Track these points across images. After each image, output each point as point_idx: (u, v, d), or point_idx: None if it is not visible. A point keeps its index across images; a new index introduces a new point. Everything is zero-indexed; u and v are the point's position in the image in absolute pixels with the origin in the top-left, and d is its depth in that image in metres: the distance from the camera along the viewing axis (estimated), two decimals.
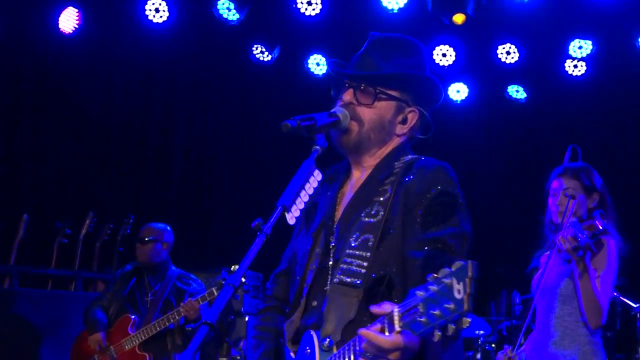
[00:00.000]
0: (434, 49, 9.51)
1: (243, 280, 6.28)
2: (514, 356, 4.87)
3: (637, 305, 6.70)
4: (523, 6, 8.82)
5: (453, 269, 2.12)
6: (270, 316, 3.07)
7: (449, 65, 9.52)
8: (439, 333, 2.13)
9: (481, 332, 8.30)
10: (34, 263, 8.47)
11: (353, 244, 2.72)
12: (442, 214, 2.68)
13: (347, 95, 2.88)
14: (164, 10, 9.30)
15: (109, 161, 9.96)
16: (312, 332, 2.68)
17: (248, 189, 9.99)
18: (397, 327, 2.28)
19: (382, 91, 2.88)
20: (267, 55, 9.65)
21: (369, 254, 2.67)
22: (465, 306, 2.07)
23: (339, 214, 2.88)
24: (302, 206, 2.53)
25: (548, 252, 4.90)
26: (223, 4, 9.16)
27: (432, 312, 2.13)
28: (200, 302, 6.42)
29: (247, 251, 2.39)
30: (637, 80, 9.33)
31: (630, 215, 5.28)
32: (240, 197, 10.03)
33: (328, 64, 3.05)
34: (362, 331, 2.37)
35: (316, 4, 9.06)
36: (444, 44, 9.50)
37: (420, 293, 2.18)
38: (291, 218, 2.48)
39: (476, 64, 9.70)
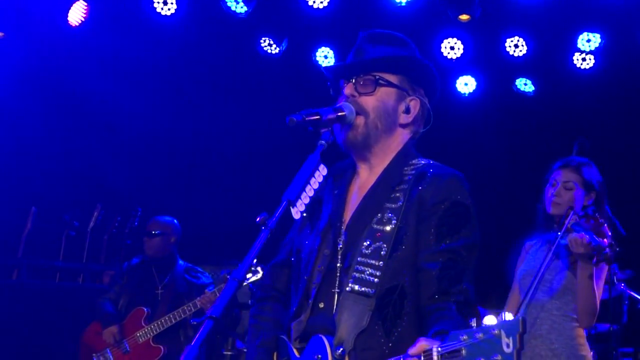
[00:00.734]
0: (442, 42, 9.48)
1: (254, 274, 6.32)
2: None
3: None
4: None
5: (502, 320, 2.19)
6: (270, 306, 3.08)
7: (457, 58, 9.49)
8: None
9: None
10: (42, 256, 8.50)
11: (365, 252, 2.74)
12: (455, 225, 2.74)
13: (348, 89, 2.90)
14: (172, 3, 9.29)
15: (116, 154, 9.97)
16: (324, 338, 2.69)
17: (255, 183, 9.99)
18: None
19: (381, 77, 2.90)
20: (275, 48, 9.63)
21: (381, 263, 2.71)
22: None
23: (347, 215, 2.89)
24: (307, 201, 2.53)
25: (534, 241, 4.95)
26: None
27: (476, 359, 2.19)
28: (217, 295, 6.45)
29: (252, 245, 2.39)
30: None
31: (638, 208, 5.29)
32: (247, 190, 10.03)
33: (324, 70, 3.04)
34: None
35: None
36: (452, 37, 9.47)
37: (464, 338, 2.23)
38: (296, 213, 2.48)
39: (484, 57, 9.67)
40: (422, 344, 2.36)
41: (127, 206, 9.03)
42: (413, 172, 2.86)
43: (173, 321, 6.64)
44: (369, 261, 2.72)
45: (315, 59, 9.68)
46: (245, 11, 9.18)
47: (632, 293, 7.00)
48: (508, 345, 2.14)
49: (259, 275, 6.13)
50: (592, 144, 5.20)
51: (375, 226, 2.78)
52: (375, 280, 2.69)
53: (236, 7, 9.18)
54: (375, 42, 2.97)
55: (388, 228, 2.75)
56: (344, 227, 2.86)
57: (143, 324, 6.75)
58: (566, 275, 4.71)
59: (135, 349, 6.74)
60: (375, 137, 2.89)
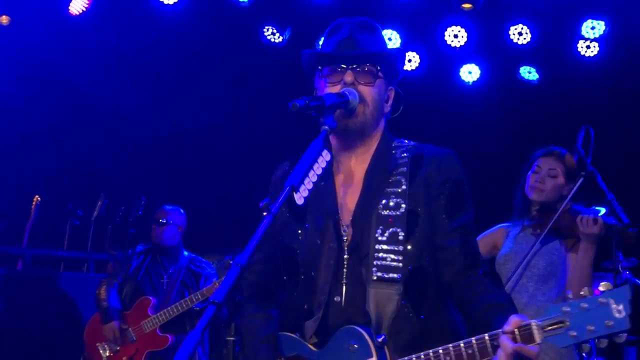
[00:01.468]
0: (446, 30, 9.46)
1: None
2: None
3: None
4: None
5: (607, 289, 2.32)
6: (261, 304, 3.08)
7: (461, 46, 9.47)
8: (589, 346, 2.36)
9: None
10: (46, 245, 8.51)
11: (380, 239, 2.80)
12: (461, 201, 2.89)
13: (349, 77, 2.91)
14: None
15: (120, 143, 9.96)
16: (359, 329, 2.75)
17: (258, 172, 9.96)
18: (537, 339, 2.41)
19: (380, 69, 2.95)
20: (278, 37, 9.62)
21: (401, 247, 2.80)
22: (628, 324, 2.31)
23: (347, 205, 2.93)
24: (310, 186, 2.53)
25: (510, 226, 4.98)
26: None
27: (585, 327, 2.32)
28: None
29: (255, 231, 2.39)
30: None
31: None
32: (251, 180, 10.02)
33: (318, 53, 3.04)
34: (506, 343, 2.46)
35: None
36: (456, 25, 9.44)
37: (565, 309, 2.35)
38: (299, 198, 2.47)
39: (488, 45, 9.64)
40: (515, 320, 2.46)
41: (131, 195, 9.03)
42: (406, 154, 2.95)
43: (181, 310, 6.65)
44: (388, 247, 2.80)
45: (318, 47, 9.66)
46: (248, 0, 9.16)
47: (637, 281, 6.99)
48: (619, 312, 2.28)
49: None
50: (597, 131, 5.18)
51: (383, 212, 2.84)
52: (400, 265, 2.77)
53: None
54: (368, 32, 3.00)
55: (398, 212, 2.82)
56: (345, 218, 2.91)
57: (149, 313, 6.76)
58: (551, 260, 4.79)
59: (142, 338, 6.75)
60: (370, 126, 2.96)
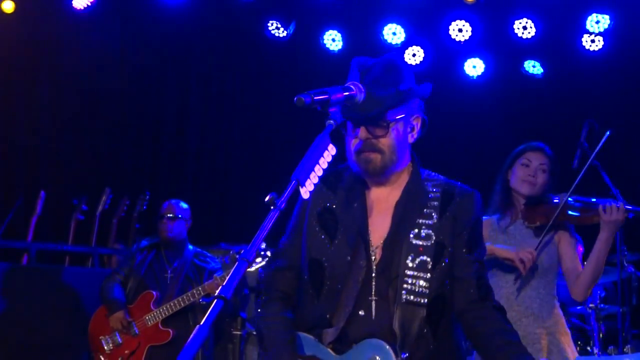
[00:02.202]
0: (450, 24, 9.46)
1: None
2: None
3: None
4: None
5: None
6: (283, 307, 3.19)
7: (465, 40, 9.48)
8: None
9: None
10: (51, 239, 8.52)
11: (410, 265, 3.03)
12: (479, 237, 3.19)
13: (363, 133, 3.05)
14: None
15: (125, 137, 9.97)
16: (385, 344, 2.95)
17: (263, 167, 9.99)
18: None
19: (393, 118, 3.05)
20: (283, 31, 9.62)
21: (428, 275, 3.02)
22: None
23: (377, 228, 3.11)
24: (316, 180, 2.54)
25: (497, 218, 5.02)
26: None
27: None
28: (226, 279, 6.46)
29: (261, 226, 2.39)
30: None
31: None
32: (255, 175, 10.03)
33: (331, 113, 2.99)
34: None
35: None
36: (460, 19, 9.44)
37: None
38: (305, 192, 2.48)
39: (492, 39, 9.64)
40: None
41: (136, 190, 9.04)
42: (437, 190, 3.17)
43: (183, 304, 6.66)
44: (417, 273, 3.03)
45: (323, 42, 9.65)
46: None
47: None
48: None
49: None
50: (601, 126, 5.20)
51: (414, 241, 3.07)
52: (426, 291, 3.01)
53: None
54: (387, 81, 3.03)
55: (428, 243, 3.06)
56: (376, 241, 3.10)
57: (152, 307, 6.76)
58: (553, 253, 4.85)
59: (144, 332, 6.76)
60: (392, 167, 3.11)
